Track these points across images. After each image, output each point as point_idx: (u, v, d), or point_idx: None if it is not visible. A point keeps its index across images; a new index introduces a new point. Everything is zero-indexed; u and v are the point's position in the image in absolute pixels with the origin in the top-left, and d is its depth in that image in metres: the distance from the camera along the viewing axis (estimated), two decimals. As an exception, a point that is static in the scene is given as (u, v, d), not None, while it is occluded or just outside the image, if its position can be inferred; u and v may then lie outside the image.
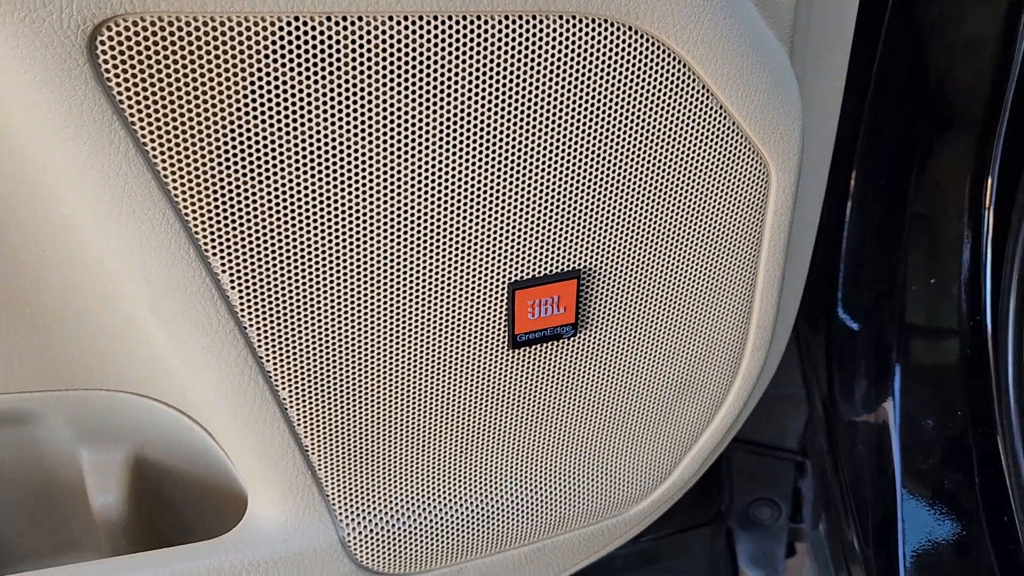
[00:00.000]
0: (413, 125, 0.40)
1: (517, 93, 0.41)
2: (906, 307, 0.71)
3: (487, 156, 0.42)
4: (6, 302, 0.48)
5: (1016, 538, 0.66)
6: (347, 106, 0.38)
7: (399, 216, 0.42)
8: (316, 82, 0.38)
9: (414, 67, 0.38)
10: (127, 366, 0.51)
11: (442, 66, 0.39)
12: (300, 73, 0.37)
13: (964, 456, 0.71)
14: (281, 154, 0.39)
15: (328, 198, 0.40)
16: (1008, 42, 0.63)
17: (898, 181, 0.68)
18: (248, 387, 0.45)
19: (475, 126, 0.41)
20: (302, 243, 0.41)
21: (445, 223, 0.43)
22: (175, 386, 0.52)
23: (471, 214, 0.43)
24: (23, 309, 0.48)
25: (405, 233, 0.43)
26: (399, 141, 0.40)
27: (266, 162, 0.39)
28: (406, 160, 0.41)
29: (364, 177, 0.40)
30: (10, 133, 0.39)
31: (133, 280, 0.42)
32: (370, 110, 0.39)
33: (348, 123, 0.39)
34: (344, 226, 0.41)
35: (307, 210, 0.40)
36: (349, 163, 0.40)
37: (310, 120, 0.38)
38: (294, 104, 0.38)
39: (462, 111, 0.40)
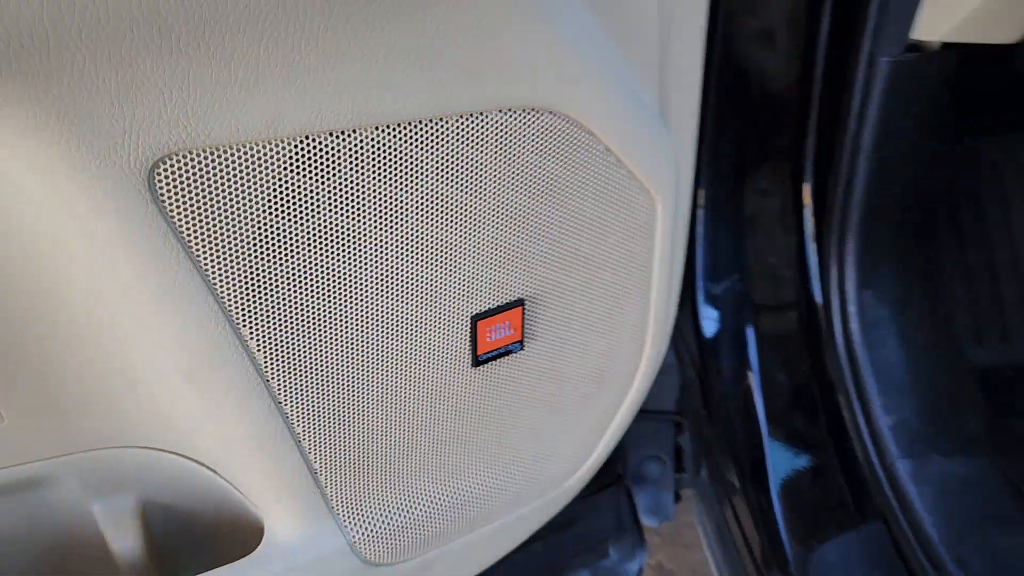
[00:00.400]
0: (397, 207, 0.50)
1: (472, 171, 0.52)
2: (753, 290, 0.88)
3: (455, 223, 0.53)
4: (25, 377, 0.54)
5: (856, 461, 0.85)
6: (347, 199, 0.49)
7: (389, 279, 0.52)
8: (323, 184, 0.47)
9: (395, 161, 0.49)
10: (129, 423, 0.59)
11: (415, 157, 0.50)
12: (311, 178, 0.47)
13: (810, 402, 0.89)
14: (297, 243, 0.48)
15: (333, 274, 0.50)
16: (806, 75, 0.80)
17: (735, 190, 0.85)
18: (271, 427, 0.54)
19: (443, 201, 0.52)
20: (314, 310, 0.51)
21: (423, 278, 0.54)
22: (173, 433, 0.60)
23: (444, 268, 0.54)
24: (39, 383, 0.55)
25: (394, 292, 0.53)
26: (388, 221, 0.50)
27: (285, 251, 0.48)
28: (394, 236, 0.51)
29: (362, 254, 0.51)
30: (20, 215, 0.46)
31: (169, 353, 0.50)
32: (364, 199, 0.49)
33: (348, 212, 0.49)
34: (346, 293, 0.51)
35: (317, 284, 0.50)
36: (350, 245, 0.50)
37: (320, 214, 0.48)
38: (307, 203, 0.47)
39: (433, 191, 0.51)
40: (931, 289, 0.91)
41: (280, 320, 0.50)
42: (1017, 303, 1.05)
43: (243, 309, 0.49)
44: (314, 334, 0.52)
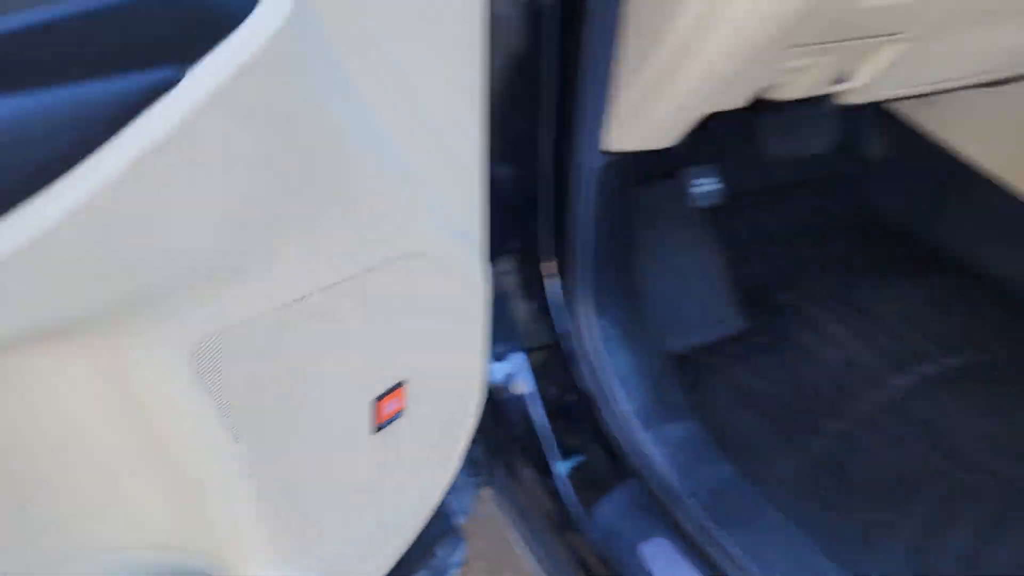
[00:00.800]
0: (332, 339, 0.73)
1: (376, 305, 0.76)
2: (522, 339, 1.19)
3: (366, 342, 0.77)
4: (32, 519, 0.69)
5: (612, 439, 1.19)
6: (305, 340, 0.71)
7: (326, 387, 0.75)
8: (292, 332, 0.69)
9: (331, 310, 0.72)
10: (121, 531, 0.75)
11: (342, 304, 0.73)
12: (285, 331, 0.69)
13: (574, 406, 1.22)
14: (276, 374, 0.70)
15: (296, 391, 0.72)
16: (536, 185, 1.12)
17: (499, 272, 1.15)
18: (249, 507, 0.74)
19: (359, 329, 0.75)
20: (284, 419, 0.72)
21: (347, 383, 0.77)
22: (155, 533, 0.77)
23: (360, 373, 0.78)
24: (46, 521, 0.70)
25: (330, 395, 0.76)
26: (328, 349, 0.73)
27: (269, 381, 0.69)
28: (330, 357, 0.74)
29: (311, 374, 0.73)
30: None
31: (181, 468, 0.69)
32: (314, 339, 0.71)
33: (306, 348, 0.71)
34: (303, 404, 0.73)
35: (287, 400, 0.72)
36: (306, 370, 0.72)
37: (289, 352, 0.70)
38: (282, 346, 0.69)
39: (353, 324, 0.75)
40: (638, 306, 1.28)
41: (265, 430, 0.71)
42: (688, 304, 1.47)
43: (244, 428, 0.69)
44: (283, 435, 0.73)
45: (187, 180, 0.52)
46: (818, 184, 1.72)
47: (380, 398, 0.82)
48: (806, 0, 0.84)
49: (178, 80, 0.49)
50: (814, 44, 0.97)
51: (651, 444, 1.17)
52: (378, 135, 0.72)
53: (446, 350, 0.88)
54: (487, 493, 1.47)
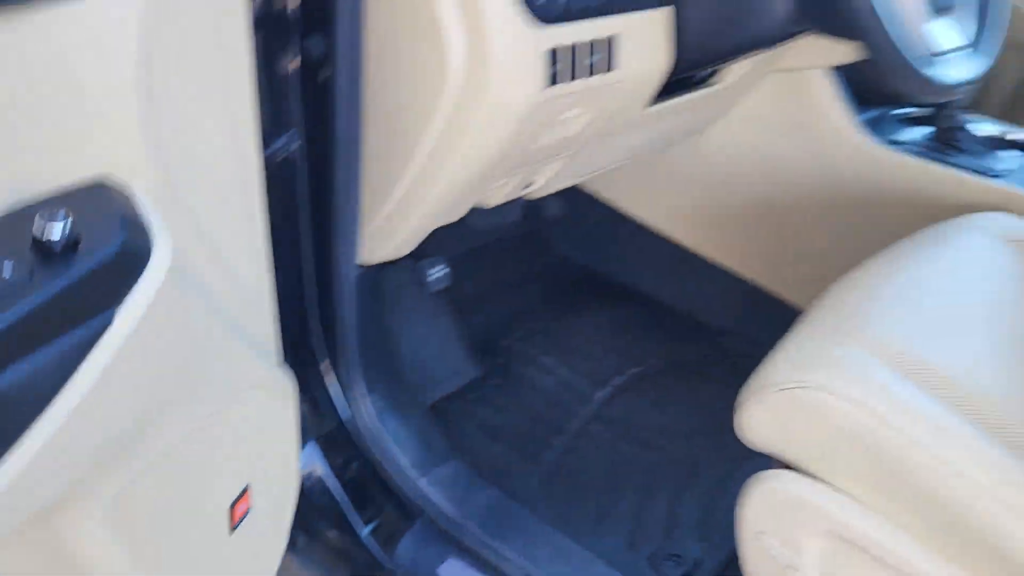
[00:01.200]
0: (200, 464, 0.93)
1: (225, 428, 0.97)
2: (312, 428, 1.42)
3: (222, 465, 0.97)
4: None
5: (398, 488, 1.45)
6: (178, 473, 0.90)
7: (200, 513, 0.94)
8: (164, 473, 0.89)
9: (195, 444, 0.92)
10: None
11: (201, 437, 0.93)
12: (158, 473, 0.88)
13: (363, 472, 1.47)
14: (163, 499, 0.89)
15: (172, 522, 0.91)
16: (303, 289, 1.36)
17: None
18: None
19: (215, 455, 0.96)
20: (165, 543, 0.91)
21: (214, 498, 0.97)
22: None
23: (221, 492, 0.98)
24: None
25: (203, 516, 0.95)
26: (199, 476, 0.93)
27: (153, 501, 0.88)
28: (201, 484, 0.94)
29: (190, 503, 0.92)
30: None
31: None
32: (187, 469, 0.91)
33: (183, 478, 0.90)
34: (184, 517, 0.92)
35: (165, 531, 0.90)
36: (188, 502, 0.91)
37: (166, 492, 0.89)
38: (158, 490, 0.88)
39: (208, 452, 0.95)
40: (398, 376, 1.56)
41: (157, 550, 0.90)
42: (434, 364, 1.78)
43: (142, 552, 0.87)
44: (168, 549, 0.92)
45: (123, 386, 0.72)
46: (515, 244, 2.11)
47: (233, 504, 1.02)
48: (501, 149, 1.17)
49: (111, 320, 0.69)
50: (509, 170, 1.32)
51: (428, 486, 1.45)
52: (209, 296, 0.93)
53: (273, 450, 1.10)
54: (289, 561, 1.67)
